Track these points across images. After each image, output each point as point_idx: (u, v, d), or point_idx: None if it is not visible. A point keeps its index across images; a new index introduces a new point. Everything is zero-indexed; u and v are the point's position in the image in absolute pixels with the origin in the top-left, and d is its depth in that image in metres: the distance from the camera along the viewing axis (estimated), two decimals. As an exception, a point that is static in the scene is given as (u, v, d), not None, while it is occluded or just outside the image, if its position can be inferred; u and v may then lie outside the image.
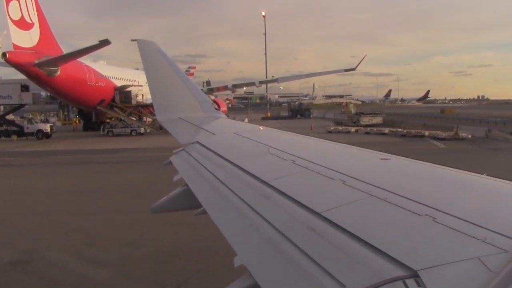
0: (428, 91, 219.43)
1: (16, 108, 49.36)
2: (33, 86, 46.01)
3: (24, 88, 46.80)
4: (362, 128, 47.37)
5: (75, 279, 9.46)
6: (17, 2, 40.20)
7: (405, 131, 40.99)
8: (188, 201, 3.88)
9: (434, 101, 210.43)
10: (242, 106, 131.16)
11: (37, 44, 41.36)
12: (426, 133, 38.48)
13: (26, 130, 45.73)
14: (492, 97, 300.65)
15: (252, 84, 67.41)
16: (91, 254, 10.99)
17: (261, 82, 67.98)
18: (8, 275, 9.90)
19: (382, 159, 3.30)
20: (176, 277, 9.38)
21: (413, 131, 40.16)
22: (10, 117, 50.81)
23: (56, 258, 10.75)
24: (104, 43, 38.46)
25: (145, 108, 50.37)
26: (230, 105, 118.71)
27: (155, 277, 9.42)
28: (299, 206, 2.46)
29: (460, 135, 36.36)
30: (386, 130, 43.25)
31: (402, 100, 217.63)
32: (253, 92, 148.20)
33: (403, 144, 34.12)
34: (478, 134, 37.78)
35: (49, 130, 46.29)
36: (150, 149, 33.43)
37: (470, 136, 36.49)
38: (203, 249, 10.90)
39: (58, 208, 15.96)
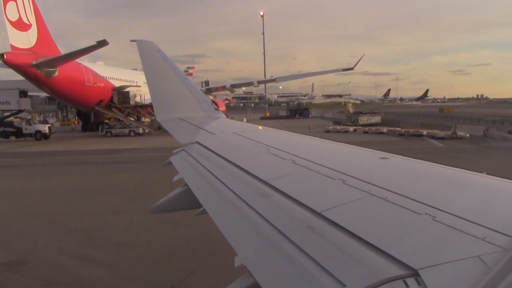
0: (427, 90, 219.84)
1: (15, 113, 49.25)
2: (31, 87, 45.87)
3: (23, 93, 46.56)
4: (360, 127, 47.42)
5: (70, 280, 9.46)
6: (15, 3, 40.09)
7: (403, 130, 41.05)
8: (188, 201, 3.89)
9: (427, 100, 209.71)
10: (242, 105, 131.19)
11: (35, 45, 41.27)
12: (424, 132, 38.53)
13: (24, 131, 45.56)
14: (491, 96, 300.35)
15: (251, 84, 67.47)
16: (87, 254, 10.99)
17: (259, 82, 68.01)
18: (3, 276, 9.89)
19: (381, 158, 3.31)
20: (171, 278, 9.40)
21: (411, 130, 40.21)
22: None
23: (53, 259, 10.74)
24: (102, 43, 38.41)
25: (144, 109, 50.36)
26: (231, 105, 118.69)
27: (150, 278, 9.44)
28: (298, 206, 2.46)
29: (458, 134, 36.44)
30: (384, 129, 43.31)
31: (401, 99, 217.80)
32: (252, 92, 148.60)
33: (401, 143, 34.17)
34: (476, 133, 37.87)
35: (47, 131, 46.16)
36: (148, 149, 33.41)
37: (468, 135, 36.58)
38: (199, 250, 10.93)
39: (56, 209, 15.93)
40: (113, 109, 49.77)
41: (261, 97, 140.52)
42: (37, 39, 41.75)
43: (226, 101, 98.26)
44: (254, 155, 4.07)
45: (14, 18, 39.98)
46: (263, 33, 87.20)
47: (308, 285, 1.80)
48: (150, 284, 9.25)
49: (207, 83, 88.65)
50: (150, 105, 43.32)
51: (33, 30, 41.62)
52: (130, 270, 9.94)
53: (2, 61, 38.92)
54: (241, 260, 2.22)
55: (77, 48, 43.41)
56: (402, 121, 53.17)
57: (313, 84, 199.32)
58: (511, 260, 1.50)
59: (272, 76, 76.11)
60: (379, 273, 1.63)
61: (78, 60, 44.78)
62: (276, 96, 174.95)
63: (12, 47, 39.75)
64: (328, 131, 45.42)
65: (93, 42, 39.19)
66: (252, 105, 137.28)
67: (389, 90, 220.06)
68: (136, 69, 58.39)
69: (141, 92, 49.13)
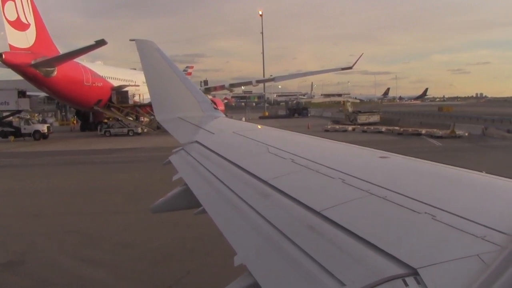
0: (426, 89, 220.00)
1: (13, 114, 49.23)
2: (30, 87, 45.82)
3: (21, 94, 46.51)
4: (359, 126, 47.44)
5: (69, 280, 9.45)
6: (13, 2, 40.01)
7: (401, 129, 41.08)
8: (188, 200, 3.89)
9: (426, 99, 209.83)
10: (243, 104, 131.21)
11: (33, 44, 41.21)
12: (423, 131, 38.54)
13: (23, 131, 45.54)
14: (490, 95, 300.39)
15: (249, 83, 67.39)
16: (86, 254, 10.98)
17: (258, 81, 67.95)
18: (1, 276, 9.89)
19: (381, 157, 3.31)
20: (168, 277, 9.41)
21: (409, 129, 40.25)
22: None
23: (52, 259, 10.73)
24: (100, 43, 38.34)
25: (142, 108, 50.31)
26: (232, 104, 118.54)
27: (148, 278, 9.45)
28: (298, 205, 2.46)
29: (457, 133, 36.47)
30: (383, 129, 43.32)
31: (401, 98, 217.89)
32: (251, 91, 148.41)
33: (400, 143, 34.19)
34: (475, 131, 37.91)
35: (46, 131, 46.09)
36: (147, 149, 33.39)
37: (466, 134, 36.61)
38: (197, 249, 10.95)
39: (56, 209, 15.92)
40: (112, 108, 49.74)
41: (260, 97, 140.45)
42: (36, 38, 41.69)
43: (226, 101, 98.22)
44: (253, 155, 4.07)
45: (12, 17, 39.91)
46: (262, 33, 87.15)
47: (308, 284, 1.80)
48: (148, 284, 9.27)
49: (206, 82, 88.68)
50: (149, 105, 43.33)
51: (32, 30, 41.55)
52: (129, 270, 9.94)
53: (0, 61, 38.85)
54: (241, 259, 2.22)
55: (75, 48, 43.36)
56: (401, 120, 53.23)
57: (312, 83, 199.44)
58: (508, 257, 1.51)
59: (271, 76, 76.08)
60: (378, 272, 1.63)
61: (77, 60, 44.71)
62: (275, 96, 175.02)
63: (11, 46, 39.70)
64: (327, 130, 45.39)
65: (92, 42, 39.14)
66: (254, 104, 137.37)
67: (388, 89, 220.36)
68: (135, 69, 58.37)
69: (140, 91, 49.12)
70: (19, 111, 48.53)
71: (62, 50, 44.94)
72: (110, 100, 49.51)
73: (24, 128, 45.76)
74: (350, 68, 61.32)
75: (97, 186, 19.77)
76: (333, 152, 4.06)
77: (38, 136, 45.10)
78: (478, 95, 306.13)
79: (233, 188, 3.17)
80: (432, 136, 36.64)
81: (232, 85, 68.15)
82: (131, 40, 8.31)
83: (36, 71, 40.18)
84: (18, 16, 40.39)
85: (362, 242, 1.88)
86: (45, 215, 15.06)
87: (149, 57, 8.10)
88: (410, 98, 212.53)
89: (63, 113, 74.10)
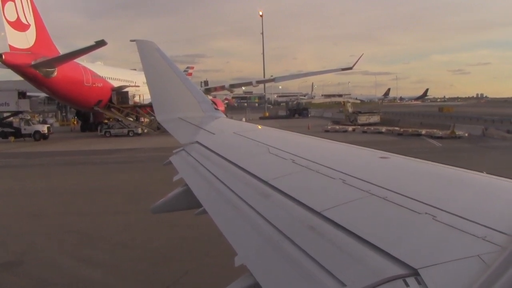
0: (427, 89, 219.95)
1: (14, 114, 49.27)
2: (30, 87, 45.80)
3: (22, 95, 46.53)
4: (359, 127, 47.43)
5: (68, 280, 9.46)
6: (13, 3, 40.02)
7: (402, 130, 41.06)
8: (188, 201, 3.89)
9: (426, 99, 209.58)
10: (245, 105, 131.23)
11: (33, 45, 41.20)
12: (423, 131, 38.53)
13: (23, 132, 45.54)
14: (491, 95, 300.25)
15: (250, 84, 67.35)
16: (85, 254, 10.99)
17: (258, 82, 67.92)
18: (0, 276, 9.88)
19: (381, 157, 3.31)
20: (166, 278, 9.41)
21: (409, 130, 40.22)
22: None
23: (52, 259, 10.74)
24: (100, 43, 38.34)
25: (143, 109, 50.32)
26: (235, 105, 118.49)
27: (146, 278, 9.46)
28: (299, 205, 2.47)
29: (457, 133, 36.46)
30: (383, 129, 43.30)
31: (401, 98, 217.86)
32: (252, 92, 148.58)
33: (400, 143, 34.18)
34: (475, 132, 37.91)
35: (46, 131, 46.08)
36: (147, 149, 33.39)
37: (466, 135, 36.60)
38: (196, 250, 10.96)
39: (56, 209, 15.92)
40: (112, 109, 49.74)
41: (261, 97, 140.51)
42: (36, 39, 41.68)
43: (226, 101, 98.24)
44: (254, 155, 4.08)
45: (12, 18, 39.90)
46: (262, 33, 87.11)
47: (309, 284, 1.80)
48: (148, 285, 9.27)
49: (206, 83, 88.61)
50: (149, 105, 43.33)
51: (32, 30, 41.55)
52: (128, 271, 9.94)
53: (0, 61, 38.84)
54: (241, 260, 2.22)
55: (76, 48, 43.35)
56: (401, 121, 53.19)
57: (312, 83, 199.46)
58: (509, 257, 1.51)
59: (271, 76, 76.08)
60: (379, 272, 1.63)
61: (77, 60, 44.71)
62: (275, 96, 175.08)
63: (11, 47, 39.68)
64: (327, 131, 45.39)
65: (92, 42, 39.12)
66: (256, 105, 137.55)
67: (389, 89, 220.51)
68: (135, 69, 58.37)
69: (140, 92, 49.12)
70: (19, 112, 48.54)
71: (62, 50, 44.96)
72: (110, 100, 49.51)
73: (24, 129, 45.74)
74: (350, 68, 61.37)
75: (97, 186, 19.77)
76: (334, 153, 4.06)
77: (38, 136, 45.07)
78: (479, 96, 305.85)
79: (233, 188, 3.17)
80: (432, 136, 36.63)
81: (233, 86, 68.19)
82: (131, 40, 8.32)
83: (36, 71, 40.17)
84: (18, 17, 40.39)
85: (363, 242, 1.88)
86: (45, 215, 15.06)
87: (149, 57, 8.11)
88: (410, 99, 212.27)
89: (64, 114, 74.09)
